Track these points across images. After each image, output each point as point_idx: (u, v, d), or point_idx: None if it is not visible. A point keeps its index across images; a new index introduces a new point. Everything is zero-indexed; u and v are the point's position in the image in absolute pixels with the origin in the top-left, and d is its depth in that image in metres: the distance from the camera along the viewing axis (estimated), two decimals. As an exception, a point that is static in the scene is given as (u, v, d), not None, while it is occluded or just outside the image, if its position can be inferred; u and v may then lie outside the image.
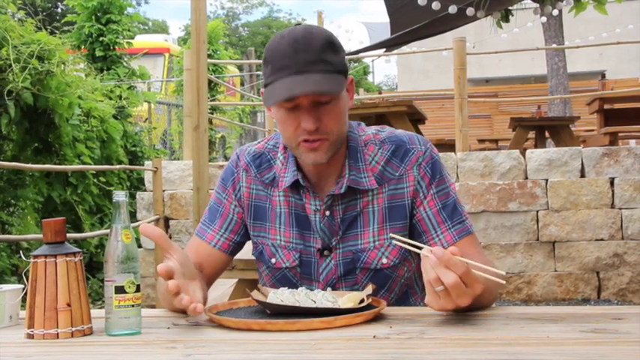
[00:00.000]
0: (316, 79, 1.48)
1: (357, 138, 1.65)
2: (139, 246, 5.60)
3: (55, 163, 5.52)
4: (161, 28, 35.23)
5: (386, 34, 11.06)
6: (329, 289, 1.60)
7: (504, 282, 1.33)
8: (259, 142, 1.75)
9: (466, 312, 1.38)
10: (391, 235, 1.56)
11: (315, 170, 1.62)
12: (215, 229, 1.70)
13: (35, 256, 1.32)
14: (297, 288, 1.61)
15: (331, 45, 1.53)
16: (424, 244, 1.59)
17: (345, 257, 1.62)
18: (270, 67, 1.53)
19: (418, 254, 1.37)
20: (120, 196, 1.35)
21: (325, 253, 1.63)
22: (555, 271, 5.38)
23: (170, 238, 2.41)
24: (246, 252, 1.80)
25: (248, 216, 1.69)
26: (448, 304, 1.29)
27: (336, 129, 1.55)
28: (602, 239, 5.31)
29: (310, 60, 1.49)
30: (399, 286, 1.67)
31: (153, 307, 5.33)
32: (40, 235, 4.25)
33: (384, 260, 1.62)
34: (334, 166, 1.62)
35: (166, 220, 5.72)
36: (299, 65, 1.48)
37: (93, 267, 6.06)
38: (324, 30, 1.56)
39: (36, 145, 5.55)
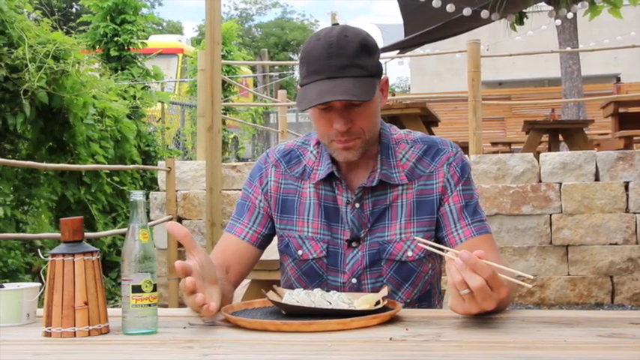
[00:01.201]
0: (347, 86, 1.51)
1: (388, 136, 1.71)
2: (152, 245, 5.60)
3: (69, 163, 5.54)
4: (175, 29, 35.34)
5: (399, 36, 11.04)
6: (354, 280, 1.65)
7: (530, 286, 1.34)
8: (288, 142, 1.80)
9: (484, 315, 1.37)
10: (415, 237, 1.59)
11: (347, 164, 1.67)
12: (244, 222, 1.73)
13: (53, 255, 1.33)
14: (323, 279, 1.62)
15: (365, 48, 1.56)
16: (443, 238, 1.61)
17: (372, 248, 1.65)
18: (305, 69, 1.57)
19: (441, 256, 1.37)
20: (137, 195, 1.36)
21: (353, 244, 1.66)
22: (568, 274, 5.34)
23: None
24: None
25: (275, 209, 1.73)
26: (473, 307, 1.28)
27: (367, 129, 1.60)
28: (616, 243, 5.28)
29: (343, 65, 1.52)
30: (423, 282, 1.69)
31: (165, 306, 5.34)
32: (54, 234, 4.30)
33: (409, 253, 1.64)
34: (366, 161, 1.67)
35: (179, 220, 5.73)
36: (331, 70, 1.52)
37: (106, 266, 6.08)
38: (360, 32, 1.59)
39: (50, 144, 5.59)
